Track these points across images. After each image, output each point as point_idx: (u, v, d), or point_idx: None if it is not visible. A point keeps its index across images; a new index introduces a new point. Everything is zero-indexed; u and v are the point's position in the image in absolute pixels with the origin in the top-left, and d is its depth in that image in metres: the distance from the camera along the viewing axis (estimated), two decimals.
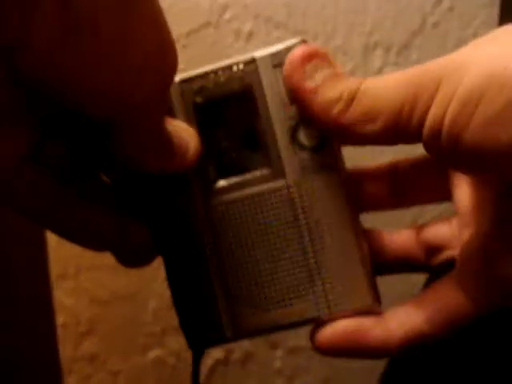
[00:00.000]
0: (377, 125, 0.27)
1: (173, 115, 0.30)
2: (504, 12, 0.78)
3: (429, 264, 0.34)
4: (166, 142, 0.28)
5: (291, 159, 0.30)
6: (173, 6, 0.74)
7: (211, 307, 0.31)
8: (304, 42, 0.31)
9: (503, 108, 0.23)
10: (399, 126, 0.26)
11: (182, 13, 0.74)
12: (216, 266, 0.30)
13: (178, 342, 0.80)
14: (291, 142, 0.30)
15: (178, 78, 0.31)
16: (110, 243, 0.29)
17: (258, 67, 0.31)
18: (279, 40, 0.82)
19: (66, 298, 0.76)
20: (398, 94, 0.26)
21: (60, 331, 0.71)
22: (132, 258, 0.30)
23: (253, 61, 0.31)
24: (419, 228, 0.34)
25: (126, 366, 0.79)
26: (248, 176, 0.31)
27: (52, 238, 0.75)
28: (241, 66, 0.31)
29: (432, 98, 0.25)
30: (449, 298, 0.29)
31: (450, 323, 0.29)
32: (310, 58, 0.29)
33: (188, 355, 0.87)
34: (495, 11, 0.80)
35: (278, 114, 0.30)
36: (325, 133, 0.30)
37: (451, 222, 0.34)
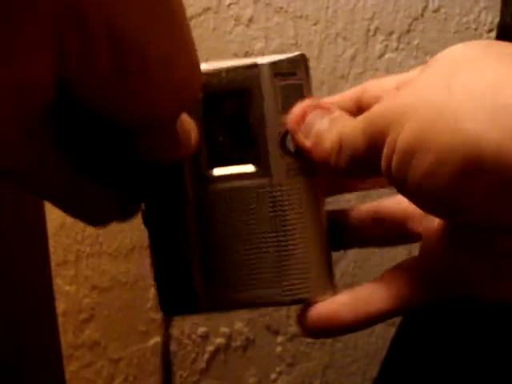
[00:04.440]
0: (360, 164, 0.31)
1: None
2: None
3: (383, 241, 0.37)
4: (176, 135, 0.30)
5: (278, 161, 0.34)
6: None
7: (188, 279, 0.34)
8: (303, 56, 0.34)
9: (430, 166, 0.26)
10: (371, 164, 0.30)
11: None
12: (197, 244, 0.34)
13: (178, 328, 0.80)
14: (279, 146, 0.34)
15: None
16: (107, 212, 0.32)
17: (260, 73, 0.33)
18: (279, 25, 0.82)
19: (66, 286, 0.76)
20: (364, 138, 0.30)
21: (60, 319, 0.71)
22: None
23: (255, 66, 0.33)
24: (376, 204, 0.37)
25: (127, 352, 0.80)
26: (237, 170, 0.34)
27: (52, 225, 0.74)
28: (243, 70, 0.33)
29: (383, 143, 0.28)
30: (406, 284, 0.32)
31: (405, 309, 0.33)
32: (305, 114, 0.33)
33: (189, 342, 0.87)
34: None
35: (270, 119, 0.34)
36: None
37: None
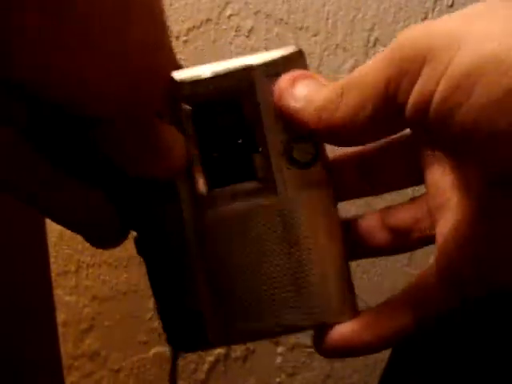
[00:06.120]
0: (367, 110, 0.26)
1: (161, 118, 0.29)
2: None
3: (396, 248, 0.33)
4: (152, 145, 0.27)
5: (283, 174, 0.30)
6: (174, 2, 0.74)
7: (195, 312, 0.30)
8: (301, 52, 0.30)
9: (505, 93, 0.22)
10: (388, 107, 0.25)
11: (183, 9, 0.74)
12: (201, 272, 0.30)
13: None
14: (284, 157, 0.30)
15: (171, 78, 0.29)
16: (94, 222, 0.29)
17: (254, 76, 0.29)
18: (279, 36, 0.82)
19: (66, 296, 0.76)
20: (381, 72, 0.25)
21: (61, 329, 0.71)
22: (106, 237, 0.30)
23: (248, 68, 0.29)
24: (383, 212, 0.34)
25: (127, 363, 0.80)
26: (238, 188, 0.30)
27: (52, 235, 0.74)
28: (234, 74, 0.29)
29: (418, 73, 0.24)
30: (429, 292, 0.30)
31: (431, 319, 0.31)
32: (295, 81, 0.29)
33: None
34: None
35: (271, 127, 0.30)
36: (322, 141, 0.30)
37: (416, 204, 0.33)
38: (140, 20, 0.22)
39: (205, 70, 0.29)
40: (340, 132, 0.27)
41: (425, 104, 0.24)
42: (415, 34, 0.24)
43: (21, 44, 0.20)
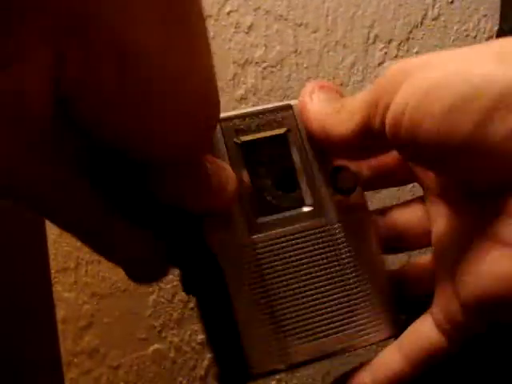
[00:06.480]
0: (353, 122, 0.29)
1: (211, 153, 0.30)
2: (505, 5, 0.77)
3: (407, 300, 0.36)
4: (205, 180, 0.28)
5: (328, 200, 0.32)
6: None
7: (237, 347, 0.31)
8: None
9: (460, 102, 0.25)
10: (369, 124, 0.29)
11: None
12: (259, 300, 0.31)
13: (177, 335, 0.80)
14: (328, 185, 0.33)
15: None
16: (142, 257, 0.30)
17: (295, 113, 0.33)
18: (279, 33, 0.82)
19: (65, 293, 0.76)
20: (366, 96, 0.29)
21: (60, 325, 0.71)
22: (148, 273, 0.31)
23: (289, 107, 0.33)
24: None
25: (126, 360, 0.79)
26: (287, 214, 0.32)
27: (52, 233, 0.74)
28: (279, 111, 0.32)
29: (392, 95, 0.27)
30: (425, 337, 0.32)
31: (428, 362, 0.33)
32: (319, 88, 0.32)
33: (188, 349, 0.87)
34: (496, 4, 0.80)
35: (315, 158, 0.32)
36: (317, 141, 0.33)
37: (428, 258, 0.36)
38: (198, 74, 0.23)
39: (250, 109, 0.32)
40: (335, 144, 0.31)
41: (399, 120, 0.27)
42: (397, 63, 0.28)
43: (87, 98, 0.22)
